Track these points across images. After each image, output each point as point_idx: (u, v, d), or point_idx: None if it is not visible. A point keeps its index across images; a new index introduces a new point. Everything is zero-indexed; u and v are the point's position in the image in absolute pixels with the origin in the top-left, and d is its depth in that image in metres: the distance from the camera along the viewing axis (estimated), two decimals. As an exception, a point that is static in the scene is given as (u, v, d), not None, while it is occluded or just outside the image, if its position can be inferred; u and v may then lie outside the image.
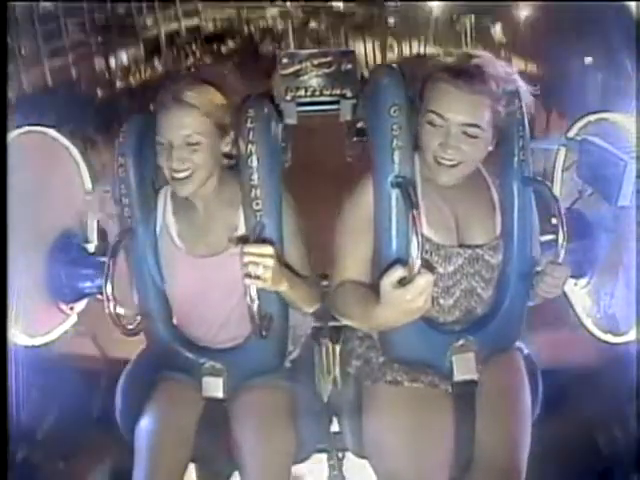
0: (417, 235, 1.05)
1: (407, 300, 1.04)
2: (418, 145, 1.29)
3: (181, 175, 1.30)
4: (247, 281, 1.17)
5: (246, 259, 1.16)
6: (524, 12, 11.50)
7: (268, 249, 1.18)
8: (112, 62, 12.77)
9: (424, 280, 1.03)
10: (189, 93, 1.28)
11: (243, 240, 1.27)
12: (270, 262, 1.17)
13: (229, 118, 1.33)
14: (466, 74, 1.19)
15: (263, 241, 1.24)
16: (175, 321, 1.46)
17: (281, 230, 1.35)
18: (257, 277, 1.17)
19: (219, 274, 1.37)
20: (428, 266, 1.21)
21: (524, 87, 1.29)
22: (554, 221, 1.36)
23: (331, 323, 1.76)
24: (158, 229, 1.41)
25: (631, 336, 1.73)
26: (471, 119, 1.20)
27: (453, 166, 1.24)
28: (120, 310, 1.39)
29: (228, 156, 1.38)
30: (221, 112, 1.31)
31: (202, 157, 1.30)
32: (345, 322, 1.34)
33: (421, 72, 1.28)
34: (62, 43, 11.93)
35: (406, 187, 1.18)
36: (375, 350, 1.42)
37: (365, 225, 1.31)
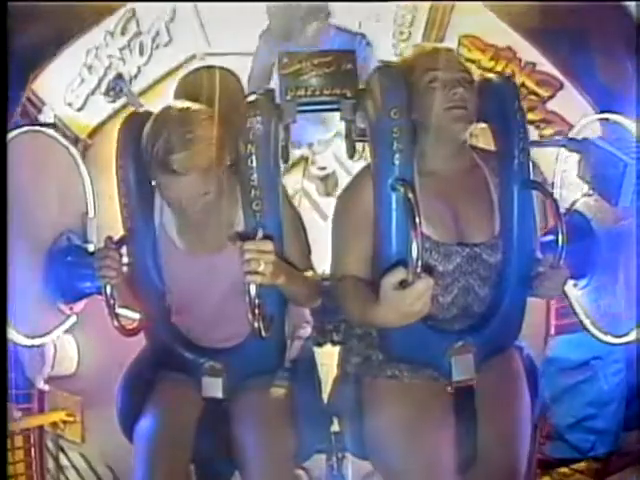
0: (417, 240, 1.05)
1: (406, 304, 1.05)
2: (417, 142, 1.32)
3: (195, 211, 1.28)
4: (248, 278, 1.17)
5: (247, 256, 1.16)
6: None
7: (268, 245, 1.18)
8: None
9: (424, 284, 1.04)
10: (179, 158, 1.18)
11: (242, 238, 1.26)
12: (270, 258, 1.18)
13: (228, 145, 1.28)
14: (441, 47, 1.38)
15: (262, 238, 1.23)
16: (173, 319, 1.45)
17: (281, 229, 1.35)
18: (257, 273, 1.17)
19: (217, 272, 1.36)
20: (428, 270, 1.21)
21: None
22: (554, 222, 1.36)
23: (330, 324, 1.76)
24: (156, 226, 1.40)
25: (631, 337, 1.73)
26: (463, 67, 1.33)
27: (462, 108, 1.28)
28: (120, 310, 1.39)
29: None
30: (218, 149, 1.23)
31: (213, 194, 1.27)
32: (344, 316, 1.35)
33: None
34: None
35: (406, 193, 1.17)
36: (374, 348, 1.42)
37: (365, 223, 1.31)
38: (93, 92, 2.78)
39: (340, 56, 1.55)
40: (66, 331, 2.31)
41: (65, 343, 2.44)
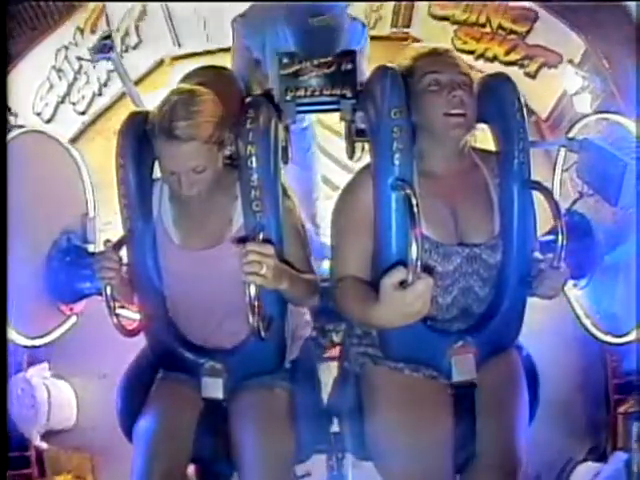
0: (417, 240, 1.05)
1: (406, 303, 1.05)
2: (416, 142, 1.32)
3: (190, 194, 1.31)
4: (248, 278, 1.17)
5: (249, 257, 1.16)
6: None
7: (269, 249, 1.19)
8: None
9: (424, 285, 1.04)
10: (182, 125, 1.23)
11: (242, 241, 1.27)
12: (271, 261, 1.18)
13: (228, 128, 1.31)
14: (440, 48, 1.35)
15: (263, 241, 1.23)
16: (171, 314, 1.45)
17: (281, 230, 1.35)
18: (258, 275, 1.17)
19: (212, 266, 1.36)
20: (428, 270, 1.21)
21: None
22: (554, 222, 1.36)
23: (330, 324, 1.76)
24: (154, 219, 1.40)
25: (631, 337, 1.73)
26: (462, 69, 1.32)
27: (461, 115, 1.28)
28: (120, 310, 1.39)
29: (228, 157, 1.38)
30: (219, 129, 1.29)
31: (209, 175, 1.30)
32: (344, 317, 1.35)
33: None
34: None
35: (406, 192, 1.17)
36: (374, 348, 1.42)
37: (365, 222, 1.31)
38: (63, 100, 2.66)
39: (340, 56, 1.55)
40: (59, 376, 2.10)
41: (60, 387, 2.10)
